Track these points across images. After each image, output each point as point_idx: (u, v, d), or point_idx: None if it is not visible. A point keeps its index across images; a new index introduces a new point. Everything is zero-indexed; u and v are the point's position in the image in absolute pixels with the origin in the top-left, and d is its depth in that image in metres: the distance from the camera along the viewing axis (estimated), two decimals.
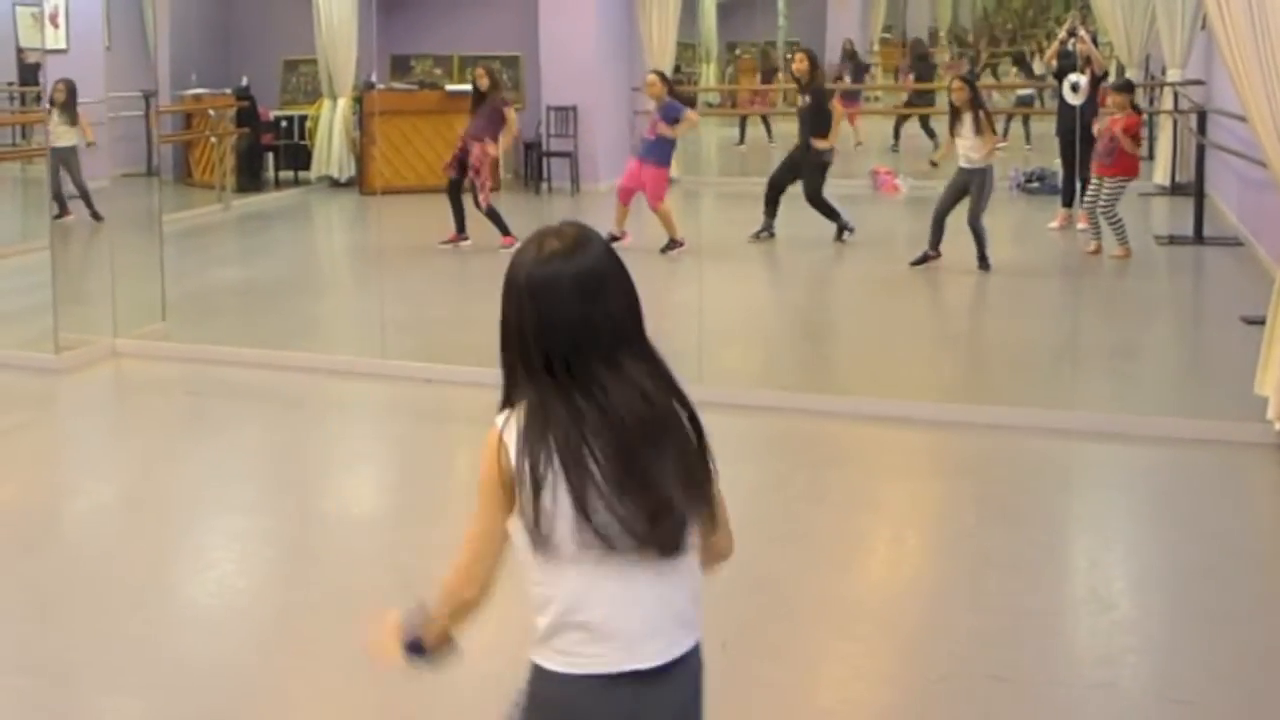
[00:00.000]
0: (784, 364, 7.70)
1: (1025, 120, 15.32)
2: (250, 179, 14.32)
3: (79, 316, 7.71)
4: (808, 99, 10.97)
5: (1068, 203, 11.00)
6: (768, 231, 11.06)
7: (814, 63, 11.25)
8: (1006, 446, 5.90)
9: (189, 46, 14.42)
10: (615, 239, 10.55)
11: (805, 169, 10.90)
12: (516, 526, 2.05)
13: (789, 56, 12.78)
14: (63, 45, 11.58)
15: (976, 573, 4.60)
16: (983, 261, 9.58)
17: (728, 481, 5.61)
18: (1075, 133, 10.50)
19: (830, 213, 10.89)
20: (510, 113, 11.16)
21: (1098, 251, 10.05)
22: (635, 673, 2.03)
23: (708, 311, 7.25)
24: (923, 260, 9.63)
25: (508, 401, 2.08)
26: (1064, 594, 4.53)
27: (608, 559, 2.01)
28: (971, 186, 9.56)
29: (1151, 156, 13.76)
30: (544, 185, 14.16)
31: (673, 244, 10.40)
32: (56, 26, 11.60)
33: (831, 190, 11.98)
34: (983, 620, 4.21)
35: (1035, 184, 13.18)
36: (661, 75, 10.96)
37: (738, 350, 7.92)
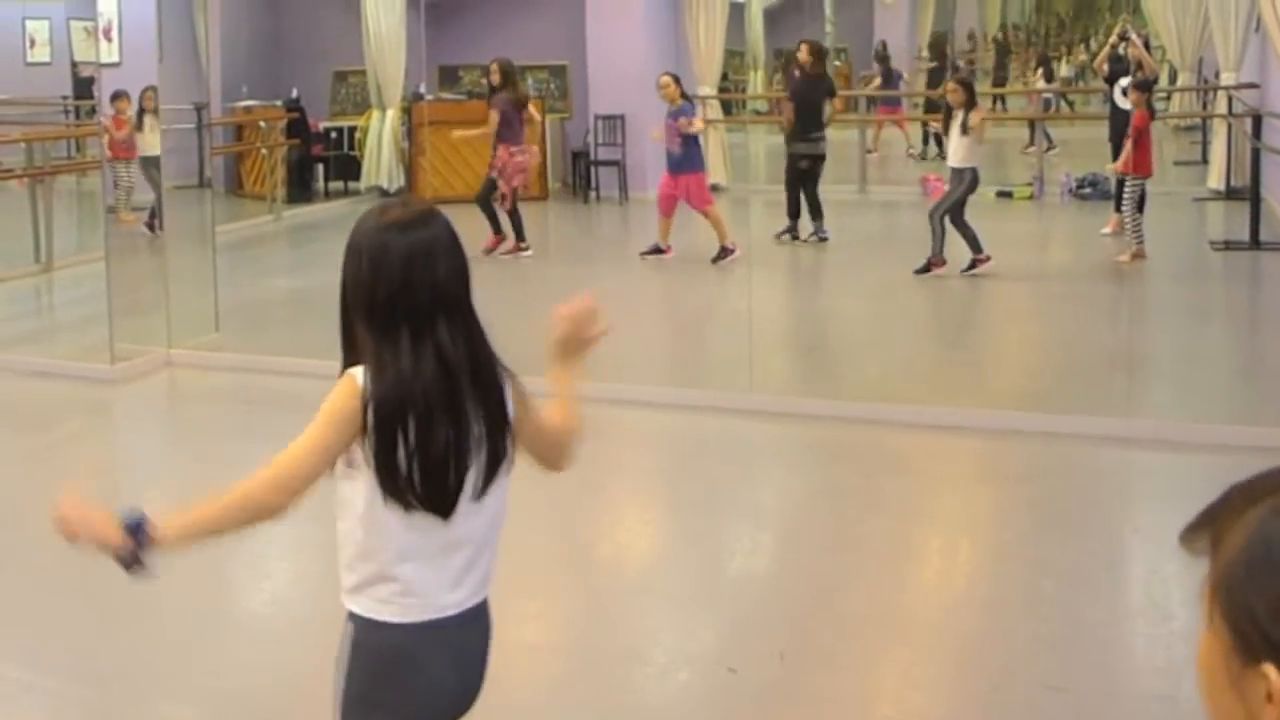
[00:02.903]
0: (835, 372, 7.67)
1: (1032, 125, 15.10)
2: (301, 190, 14.44)
3: (134, 327, 7.80)
4: (807, 88, 10.99)
5: (1120, 208, 10.89)
6: (791, 234, 11.05)
7: (817, 53, 11.36)
8: (1062, 454, 5.84)
9: (240, 59, 14.58)
10: (660, 251, 10.54)
11: (807, 159, 10.93)
12: (361, 475, 2.16)
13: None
14: (116, 59, 11.72)
15: (1032, 582, 4.55)
16: (935, 256, 9.48)
17: (781, 490, 5.59)
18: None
19: (819, 210, 10.89)
20: (531, 112, 11.18)
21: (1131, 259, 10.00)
22: (444, 620, 2.22)
23: (757, 320, 7.23)
24: (972, 266, 9.56)
25: (351, 361, 2.26)
26: (1122, 604, 4.48)
27: (410, 516, 2.16)
28: (957, 184, 9.54)
29: (1206, 161, 13.61)
30: (592, 194, 14.18)
31: (724, 252, 10.20)
32: (110, 40, 11.74)
33: (883, 197, 11.97)
34: (1039, 630, 4.16)
35: (1088, 189, 13.06)
36: (676, 78, 10.89)
37: (788, 358, 7.89)
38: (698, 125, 10.69)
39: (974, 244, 9.48)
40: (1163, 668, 3.95)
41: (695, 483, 5.75)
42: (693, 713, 3.76)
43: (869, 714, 3.77)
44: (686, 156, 10.52)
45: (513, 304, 9.59)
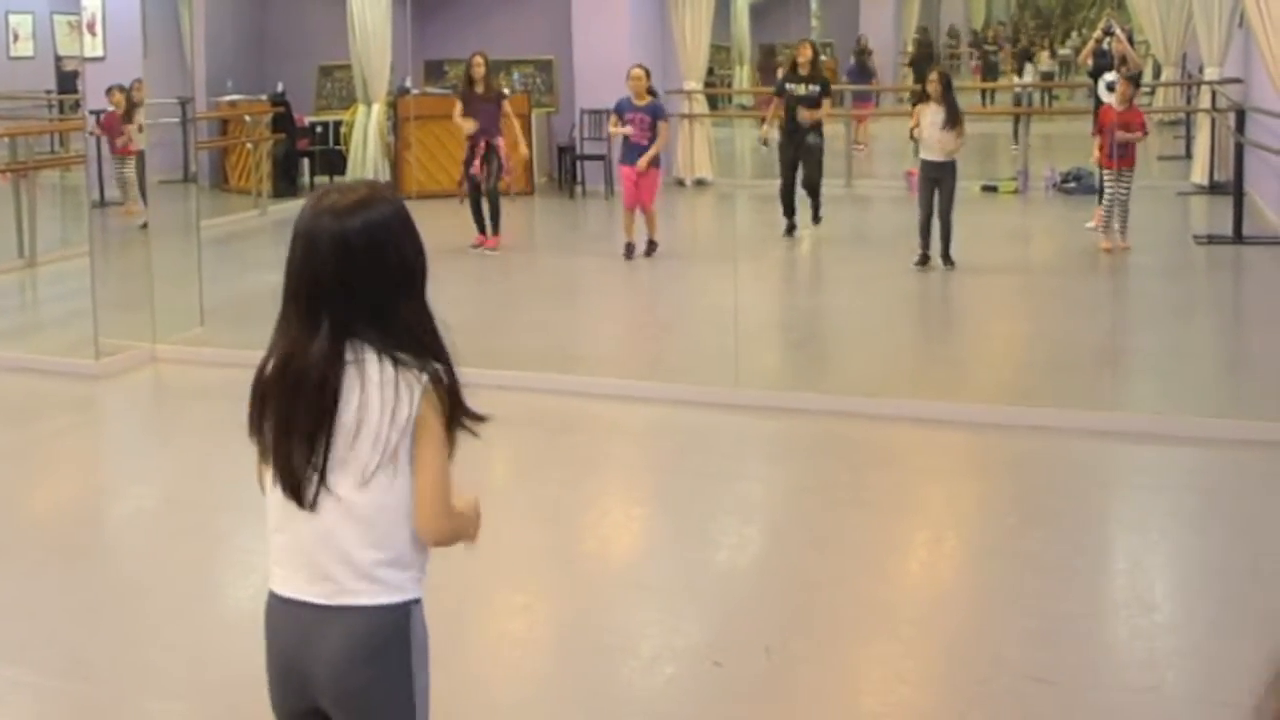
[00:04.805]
0: (821, 366, 7.69)
1: (1017, 120, 15.13)
2: (286, 184, 14.41)
3: (118, 322, 7.78)
4: (815, 88, 11.06)
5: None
6: (796, 229, 11.16)
7: (817, 53, 11.57)
8: (1048, 448, 5.86)
9: (225, 53, 14.54)
10: (635, 249, 10.56)
11: (811, 155, 11.07)
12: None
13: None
14: (100, 53, 11.68)
15: (1018, 575, 4.58)
16: (946, 258, 9.61)
17: (767, 484, 5.60)
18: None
19: (819, 201, 11.17)
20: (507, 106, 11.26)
21: (1124, 248, 10.15)
22: (295, 601, 2.25)
23: (742, 314, 7.24)
24: (925, 262, 9.63)
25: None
26: (1107, 597, 4.50)
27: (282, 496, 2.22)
28: (943, 181, 9.60)
29: (1190, 155, 13.66)
30: (578, 189, 14.19)
31: (654, 245, 10.53)
32: (94, 34, 11.69)
33: (870, 190, 11.97)
34: (1025, 623, 4.18)
35: (1072, 184, 13.10)
36: (647, 71, 10.94)
37: (774, 352, 7.90)
38: (663, 136, 10.84)
39: (927, 244, 9.67)
40: (1147, 660, 3.97)
41: (681, 477, 5.76)
42: (679, 706, 3.77)
43: (855, 708, 3.78)
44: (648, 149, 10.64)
45: (499, 298, 9.61)
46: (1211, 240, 10.48)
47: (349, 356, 2.17)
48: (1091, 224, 10.95)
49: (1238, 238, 10.34)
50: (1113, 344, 7.70)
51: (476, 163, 10.96)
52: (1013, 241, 11.60)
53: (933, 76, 10.02)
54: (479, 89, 11.03)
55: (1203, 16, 12.74)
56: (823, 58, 17.57)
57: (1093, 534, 5.02)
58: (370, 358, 2.17)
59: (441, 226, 11.90)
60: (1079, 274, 10.01)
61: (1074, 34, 19.19)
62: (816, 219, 11.24)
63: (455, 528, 2.30)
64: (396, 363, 2.18)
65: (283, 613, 2.27)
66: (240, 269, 10.80)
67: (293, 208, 14.80)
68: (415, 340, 2.21)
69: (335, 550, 2.20)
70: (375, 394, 2.16)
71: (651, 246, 10.55)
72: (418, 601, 2.27)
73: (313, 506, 2.19)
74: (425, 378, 2.19)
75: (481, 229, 11.00)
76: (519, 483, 5.70)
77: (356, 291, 2.18)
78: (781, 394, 6.65)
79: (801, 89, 11.11)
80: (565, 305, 9.31)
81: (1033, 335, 8.22)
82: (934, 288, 9.55)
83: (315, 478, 2.17)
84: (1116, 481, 5.69)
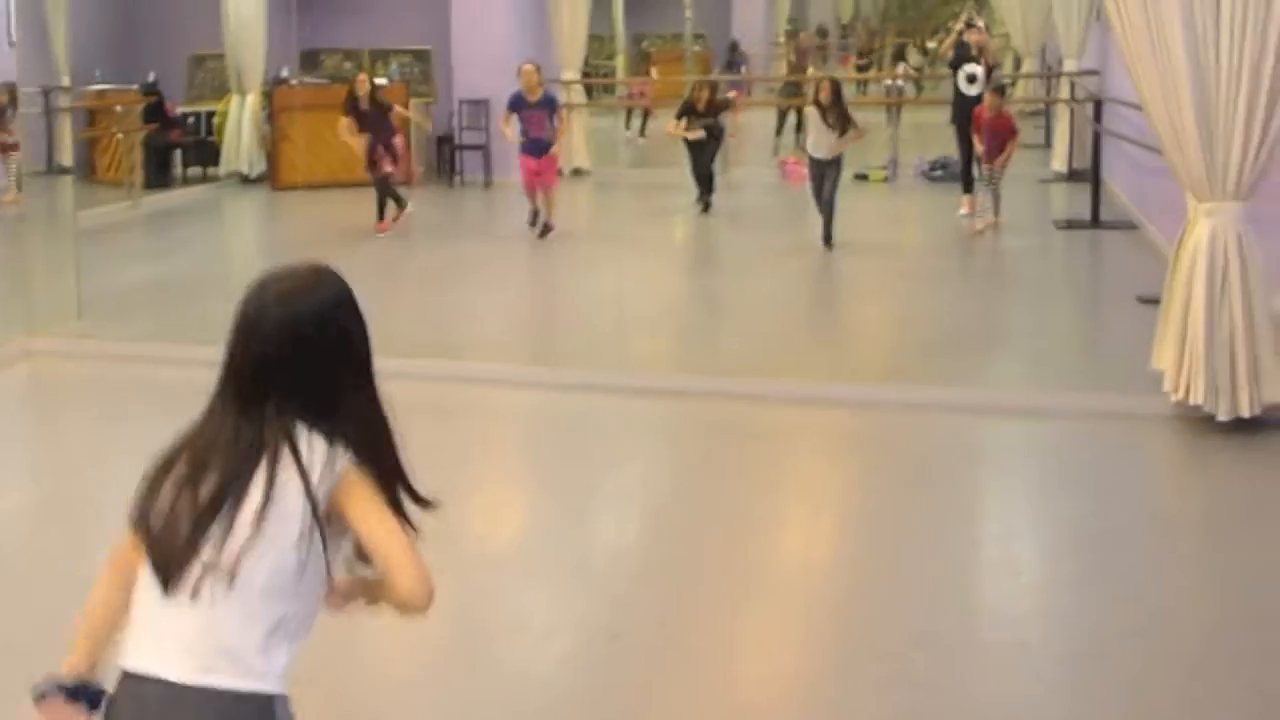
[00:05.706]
0: (704, 349, 7.85)
1: (888, 111, 15.58)
2: (159, 175, 14.16)
3: None
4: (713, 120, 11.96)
5: (969, 188, 11.34)
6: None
7: (714, 88, 12.61)
8: (918, 424, 6.11)
9: (93, 41, 14.22)
10: (540, 214, 10.84)
11: (711, 146, 12.00)
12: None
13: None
14: None
15: (894, 543, 4.79)
16: (827, 240, 10.15)
17: (653, 464, 5.74)
18: (971, 122, 10.90)
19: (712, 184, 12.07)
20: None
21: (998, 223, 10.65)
22: (145, 676, 2.02)
23: (626, 299, 7.38)
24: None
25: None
26: (976, 561, 4.74)
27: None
28: (828, 173, 10.22)
29: (1050, 144, 14.17)
30: (456, 178, 14.20)
31: (548, 228, 10.85)
32: None
33: (744, 178, 12.17)
34: (901, 586, 4.39)
35: (939, 172, 13.49)
36: (538, 66, 11.21)
37: (658, 336, 8.05)
38: (563, 127, 11.49)
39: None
40: (1015, 617, 4.21)
41: (567, 459, 5.88)
42: (574, 678, 3.89)
43: (744, 674, 3.94)
44: (550, 141, 10.86)
45: (382, 287, 9.60)
46: (1070, 225, 10.91)
47: (271, 438, 2.04)
48: (964, 210, 11.33)
49: (1095, 222, 10.79)
50: (981, 324, 8.02)
51: (387, 163, 11.06)
52: (885, 227, 11.93)
53: (824, 84, 10.38)
54: (364, 106, 11.14)
55: (1061, 10, 13.23)
56: (695, 49, 17.85)
57: (963, 503, 5.27)
58: (279, 441, 2.04)
59: (321, 217, 11.86)
60: (948, 257, 10.36)
61: (941, 31, 19.78)
62: (706, 207, 11.94)
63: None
64: (320, 441, 2.07)
65: (129, 691, 2.02)
66: (117, 262, 10.62)
67: (166, 199, 14.57)
68: (362, 432, 2.12)
69: (213, 627, 2.00)
70: (290, 473, 2.03)
71: (546, 229, 10.76)
72: (284, 699, 2.05)
73: (192, 592, 2.00)
74: (346, 458, 2.08)
75: (382, 215, 11.23)
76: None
77: (298, 377, 2.06)
78: (666, 377, 6.81)
79: (701, 123, 11.88)
80: (449, 292, 9.34)
81: (907, 317, 8.49)
82: (812, 271, 9.82)
83: (199, 562, 2.00)
84: (983, 454, 5.95)
